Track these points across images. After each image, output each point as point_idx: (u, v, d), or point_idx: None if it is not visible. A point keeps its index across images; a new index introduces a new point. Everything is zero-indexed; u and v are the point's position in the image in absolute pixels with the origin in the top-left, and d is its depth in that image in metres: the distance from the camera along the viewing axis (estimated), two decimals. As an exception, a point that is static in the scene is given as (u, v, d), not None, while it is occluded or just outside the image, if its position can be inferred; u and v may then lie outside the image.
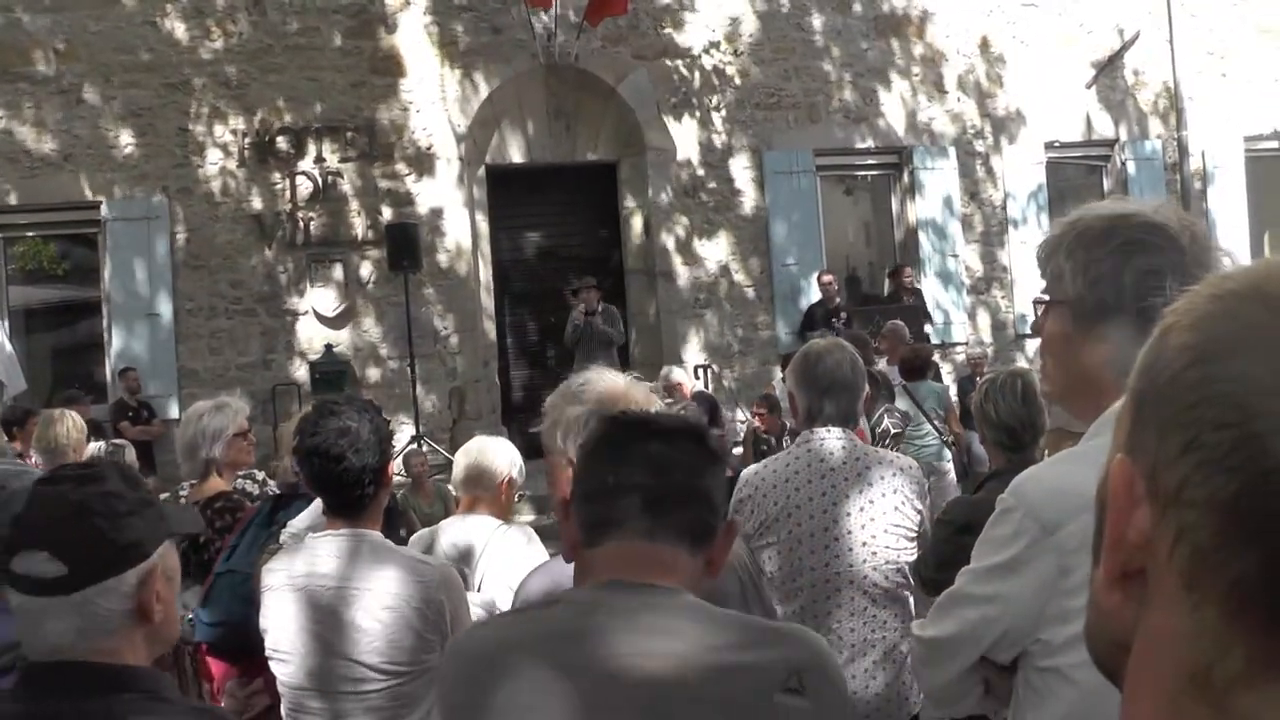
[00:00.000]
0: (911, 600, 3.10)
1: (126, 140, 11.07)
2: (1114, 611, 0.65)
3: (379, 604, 2.51)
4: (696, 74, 12.14)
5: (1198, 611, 0.58)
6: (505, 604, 3.33)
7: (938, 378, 9.97)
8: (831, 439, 3.02)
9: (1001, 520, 1.64)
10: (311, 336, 11.26)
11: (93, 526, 1.49)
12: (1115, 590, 0.65)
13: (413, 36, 11.55)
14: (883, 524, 2.99)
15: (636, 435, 1.52)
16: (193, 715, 1.70)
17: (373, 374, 11.36)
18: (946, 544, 3.22)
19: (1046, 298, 1.73)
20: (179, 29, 11.16)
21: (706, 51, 12.17)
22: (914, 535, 3.04)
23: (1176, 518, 0.59)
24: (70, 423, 5.43)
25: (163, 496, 4.64)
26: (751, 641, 1.41)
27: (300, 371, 11.15)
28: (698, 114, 12.14)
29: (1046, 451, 3.54)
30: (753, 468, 3.17)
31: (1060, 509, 1.55)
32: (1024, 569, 1.59)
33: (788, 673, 1.37)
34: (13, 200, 10.95)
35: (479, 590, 3.21)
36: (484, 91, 11.67)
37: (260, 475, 4.57)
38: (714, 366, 11.99)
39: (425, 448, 9.92)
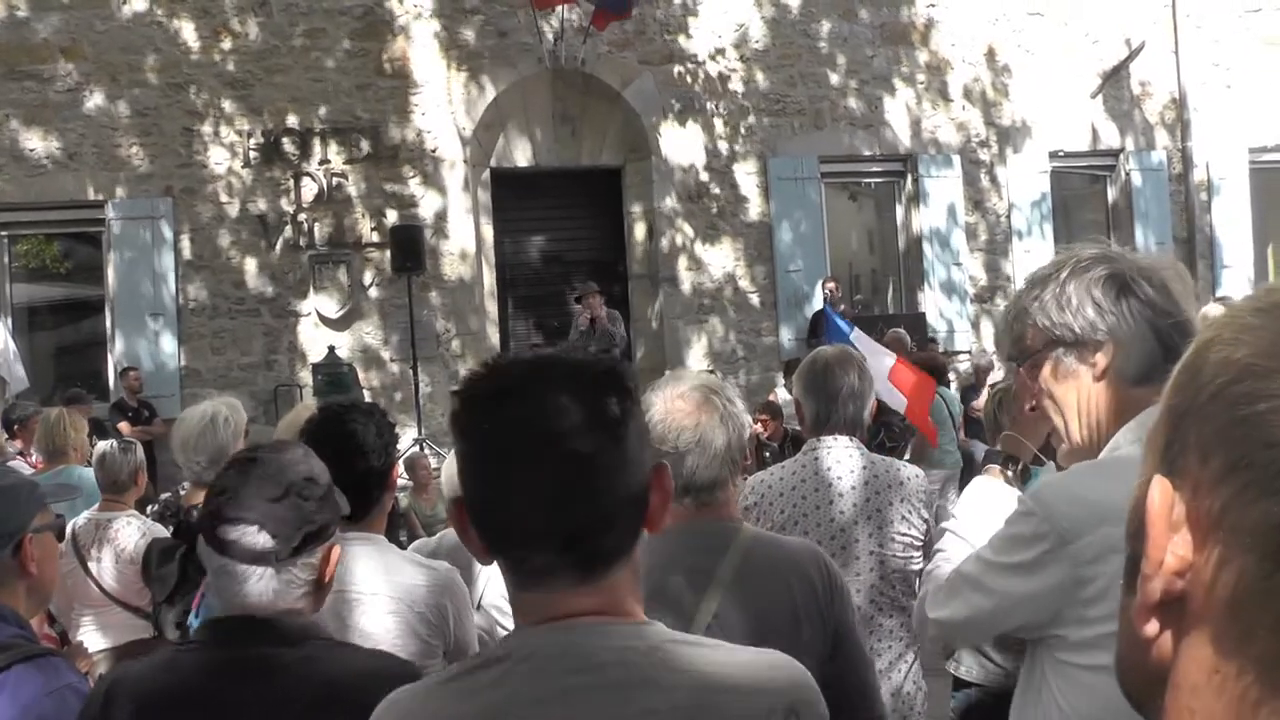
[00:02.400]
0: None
1: (132, 140, 11.08)
2: (1151, 640, 0.61)
3: (384, 608, 2.49)
4: (702, 80, 12.15)
5: (1244, 643, 0.55)
6: (504, 616, 3.32)
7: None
8: (839, 447, 3.01)
9: (1021, 520, 1.65)
10: (314, 338, 11.25)
11: (300, 509, 1.74)
12: (1152, 618, 0.60)
13: (419, 40, 11.56)
14: (890, 533, 2.98)
15: (531, 437, 1.16)
16: (371, 657, 1.90)
17: (375, 377, 11.36)
18: (953, 553, 3.22)
19: (1030, 353, 1.72)
20: (186, 30, 11.17)
21: (712, 57, 12.17)
22: (920, 544, 3.03)
23: (1221, 542, 0.56)
24: (72, 422, 5.42)
25: (163, 497, 4.64)
26: (736, 683, 1.21)
27: (302, 373, 11.15)
28: (703, 120, 12.14)
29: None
30: (760, 475, 3.15)
31: (1079, 519, 1.55)
32: (1038, 574, 1.60)
33: (784, 714, 1.22)
34: (18, 199, 10.96)
35: (480, 600, 3.19)
36: (490, 95, 11.68)
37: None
38: (717, 372, 11.98)
39: (427, 451, 9.91)
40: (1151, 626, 0.61)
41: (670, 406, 2.15)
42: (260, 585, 1.71)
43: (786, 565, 2.19)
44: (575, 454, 1.14)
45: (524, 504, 1.15)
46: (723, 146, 12.21)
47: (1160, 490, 0.60)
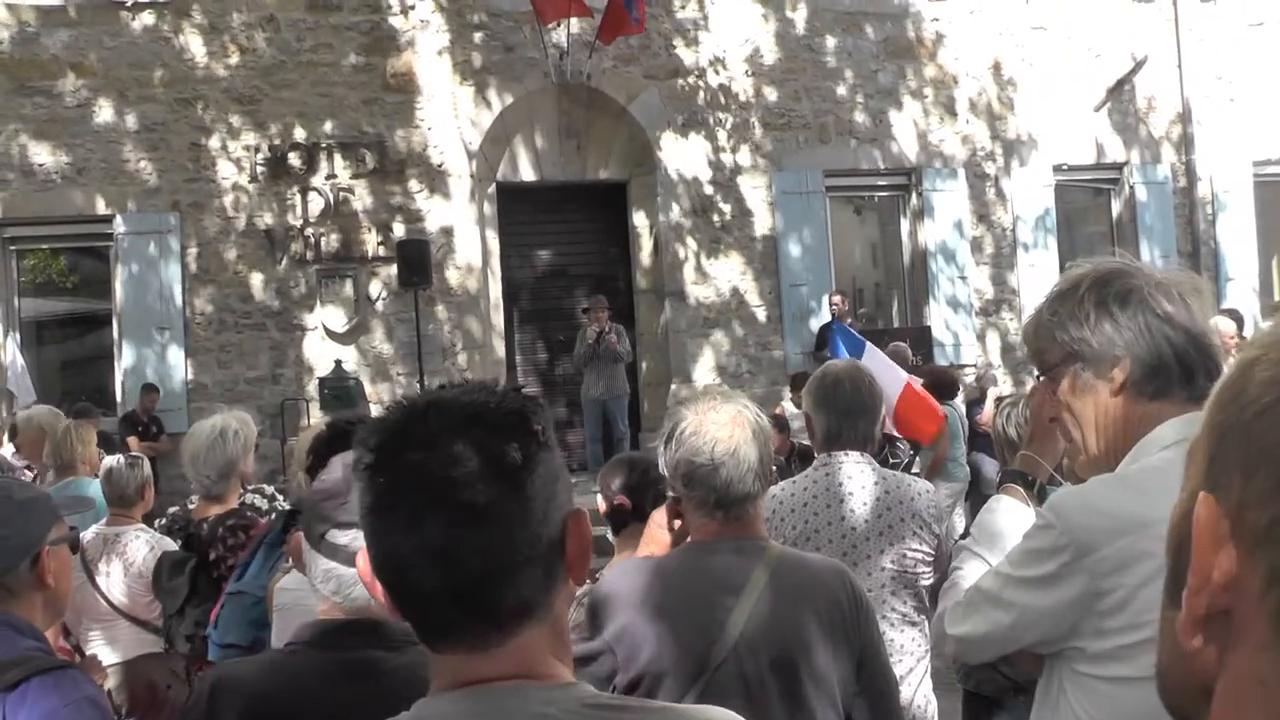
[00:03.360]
0: (928, 625, 3.08)
1: (140, 155, 11.12)
2: (1195, 655, 0.62)
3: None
4: (708, 94, 12.18)
5: None
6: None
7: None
8: (850, 462, 3.02)
9: (1039, 534, 1.65)
10: (321, 352, 11.27)
11: None
12: (1197, 632, 0.61)
13: (425, 54, 11.61)
14: (901, 548, 2.98)
15: (420, 487, 1.08)
16: None
17: (382, 390, 11.37)
18: (964, 568, 3.21)
19: (1049, 367, 1.73)
20: (194, 45, 11.22)
21: (718, 72, 12.21)
22: (931, 560, 3.03)
23: (1267, 558, 0.57)
24: (80, 435, 5.43)
25: (171, 511, 4.64)
26: None
27: (309, 387, 11.17)
28: (708, 134, 12.17)
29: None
30: (771, 489, 3.16)
31: (1098, 531, 1.55)
32: (1057, 587, 1.60)
33: None
34: (26, 213, 11.00)
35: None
36: (496, 109, 11.72)
37: (269, 490, 4.54)
38: (723, 386, 11.97)
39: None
40: (1196, 640, 0.61)
41: (704, 420, 2.17)
42: (364, 590, 1.69)
43: (814, 583, 2.20)
44: (468, 505, 1.06)
45: (415, 558, 1.07)
46: (728, 160, 12.23)
47: (1206, 506, 0.61)
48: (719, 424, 2.17)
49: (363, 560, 1.19)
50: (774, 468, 2.35)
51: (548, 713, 1.08)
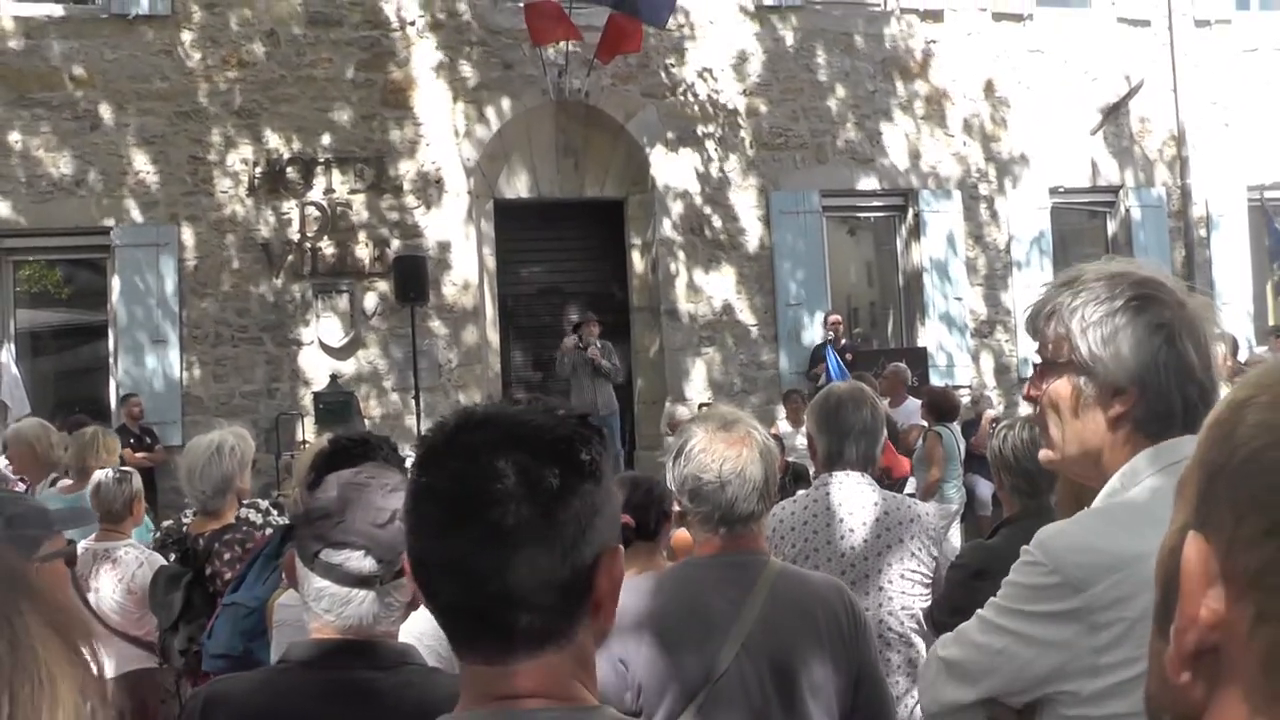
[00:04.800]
0: (924, 647, 3.08)
1: (139, 167, 11.13)
2: (1183, 689, 0.63)
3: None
4: (705, 113, 12.23)
5: (1278, 698, 0.56)
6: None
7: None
8: (850, 483, 3.03)
9: (1028, 571, 1.62)
10: (316, 366, 11.26)
11: (402, 535, 1.72)
12: (1185, 668, 0.62)
13: (424, 70, 11.64)
14: (899, 570, 2.99)
15: (454, 500, 1.09)
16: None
17: (376, 405, 11.36)
18: (961, 588, 3.21)
19: (1052, 360, 1.68)
20: (195, 58, 11.25)
21: (715, 91, 12.26)
22: (929, 581, 3.03)
23: (1257, 601, 0.58)
24: (105, 443, 5.43)
25: (165, 525, 4.63)
26: None
27: (304, 401, 11.15)
28: (704, 152, 12.21)
29: (1056, 500, 3.53)
30: (774, 508, 3.17)
31: (1088, 567, 1.53)
32: (1049, 624, 1.57)
33: None
34: (25, 223, 11.00)
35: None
36: (494, 126, 11.75)
37: (264, 504, 4.53)
38: (730, 407, 11.95)
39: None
40: (1185, 676, 0.62)
41: (713, 437, 2.19)
42: (362, 609, 1.73)
43: (813, 599, 2.22)
44: (495, 523, 1.05)
45: (441, 567, 1.09)
46: (724, 179, 12.27)
47: (1195, 545, 0.62)
48: (728, 442, 2.20)
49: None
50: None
51: None
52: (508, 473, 1.06)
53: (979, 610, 1.72)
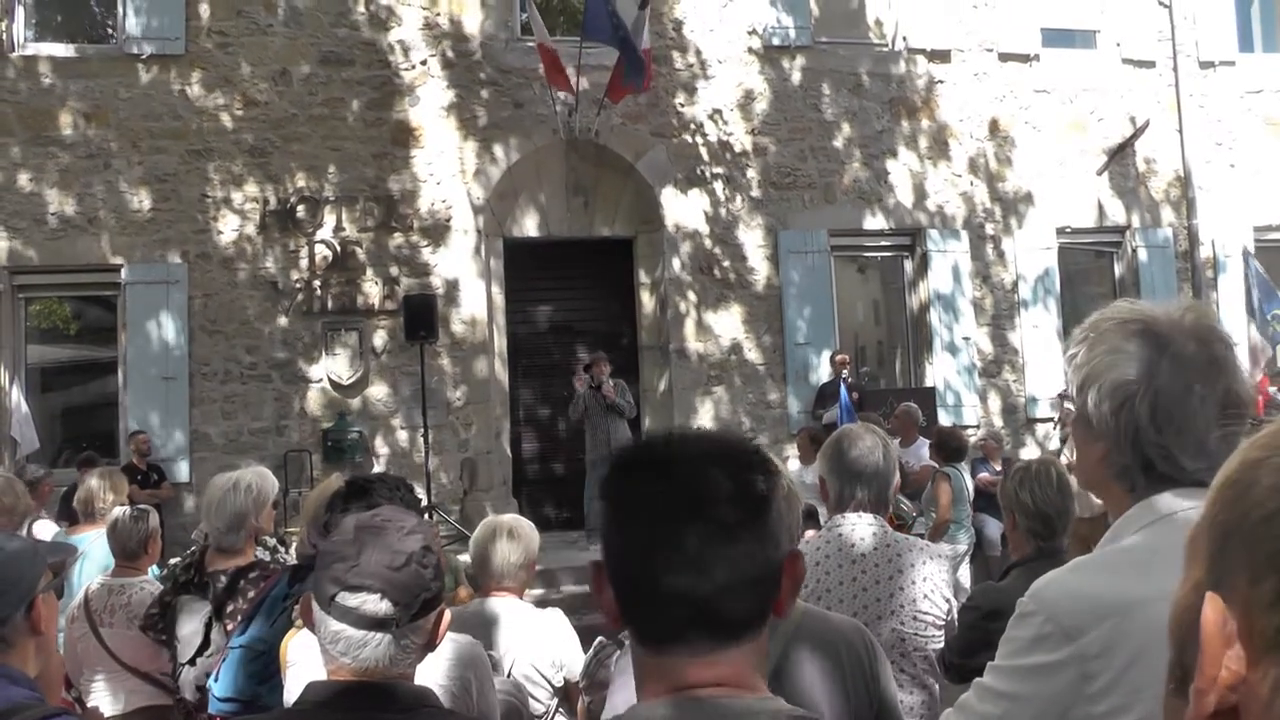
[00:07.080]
0: (938, 689, 3.07)
1: (149, 205, 11.21)
2: None
3: (408, 681, 2.49)
4: (714, 152, 12.30)
5: None
6: (534, 685, 3.30)
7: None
8: (862, 525, 3.02)
9: (1022, 623, 1.62)
10: (325, 404, 11.28)
11: (418, 578, 1.78)
12: None
13: (434, 109, 11.74)
14: (911, 611, 2.97)
15: (680, 502, 1.22)
16: None
17: (385, 443, 11.37)
18: (972, 630, 3.20)
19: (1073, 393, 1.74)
20: (206, 97, 11.36)
21: (724, 131, 12.34)
22: (942, 624, 3.02)
23: (1275, 664, 0.58)
24: (113, 484, 5.44)
25: (172, 562, 4.63)
26: None
27: (313, 438, 11.16)
28: (713, 192, 12.27)
29: (1069, 542, 3.53)
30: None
31: (1081, 615, 1.53)
32: (1044, 675, 1.56)
33: None
34: (36, 261, 11.07)
35: (509, 673, 3.18)
36: (503, 165, 11.82)
37: (270, 542, 4.54)
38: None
39: (436, 518, 9.88)
40: None
41: None
42: (378, 651, 1.75)
43: (835, 639, 2.25)
44: (720, 521, 1.20)
45: (664, 564, 1.20)
46: (733, 219, 12.32)
47: (1213, 607, 0.62)
48: None
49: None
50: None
51: (759, 718, 1.20)
52: (724, 479, 1.22)
53: (977, 679, 1.72)
